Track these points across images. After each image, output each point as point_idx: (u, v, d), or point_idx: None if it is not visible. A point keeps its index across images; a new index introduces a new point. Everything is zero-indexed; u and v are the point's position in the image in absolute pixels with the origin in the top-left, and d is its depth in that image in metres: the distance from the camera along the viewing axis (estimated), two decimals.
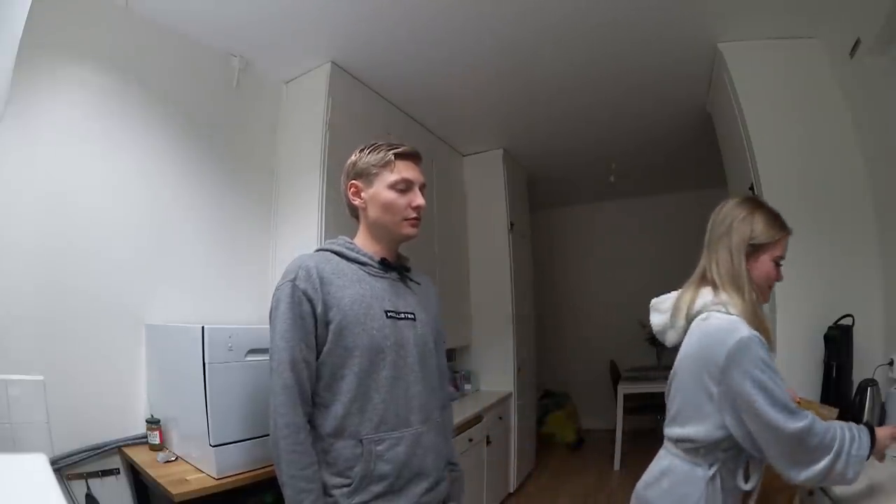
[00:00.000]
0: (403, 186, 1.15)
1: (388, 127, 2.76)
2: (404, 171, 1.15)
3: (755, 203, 1.17)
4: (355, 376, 1.06)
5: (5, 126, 1.42)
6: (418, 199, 1.16)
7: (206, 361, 1.45)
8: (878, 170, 1.89)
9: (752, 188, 2.15)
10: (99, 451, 1.64)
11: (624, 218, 5.21)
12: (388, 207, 1.14)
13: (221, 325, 1.54)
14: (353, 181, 1.17)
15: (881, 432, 1.03)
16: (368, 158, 1.16)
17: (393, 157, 1.15)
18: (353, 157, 1.19)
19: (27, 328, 1.53)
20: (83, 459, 1.60)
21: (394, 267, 1.20)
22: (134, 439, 1.73)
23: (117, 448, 1.69)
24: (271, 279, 2.38)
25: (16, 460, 0.79)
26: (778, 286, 1.95)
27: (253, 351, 1.56)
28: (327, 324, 1.06)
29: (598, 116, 3.08)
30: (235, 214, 2.25)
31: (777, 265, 1.15)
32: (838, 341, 1.82)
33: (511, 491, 3.42)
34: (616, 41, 2.22)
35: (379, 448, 1.05)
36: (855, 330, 1.81)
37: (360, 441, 1.04)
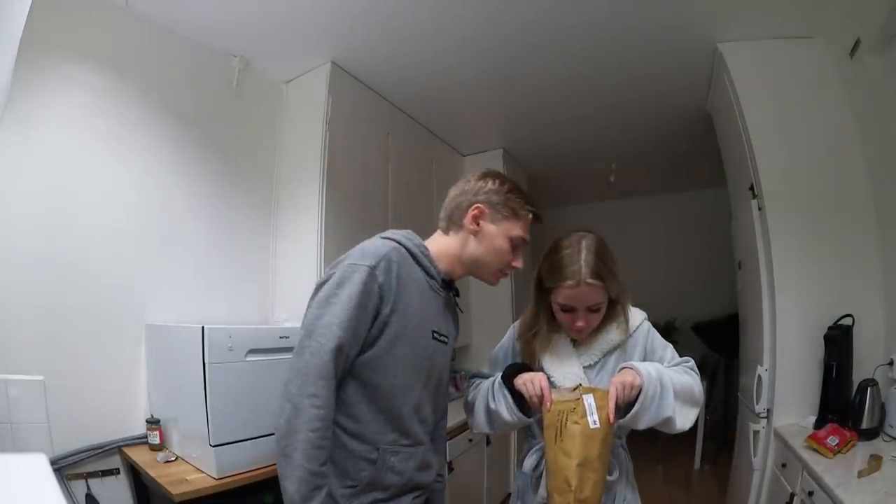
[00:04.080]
0: (518, 244, 1.12)
1: (389, 127, 2.76)
2: (527, 231, 1.13)
3: (555, 247, 1.13)
4: (392, 388, 1.02)
5: (5, 126, 1.42)
6: (519, 263, 1.13)
7: (206, 361, 1.45)
8: (879, 170, 1.89)
9: (752, 188, 2.15)
10: (99, 451, 1.64)
11: (624, 218, 5.20)
12: (495, 253, 1.10)
13: (221, 325, 1.54)
14: (482, 205, 1.09)
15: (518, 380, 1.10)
16: (509, 199, 1.10)
17: (530, 217, 1.12)
18: (490, 184, 1.10)
19: (27, 328, 1.53)
20: (83, 459, 1.60)
21: (450, 288, 1.16)
22: (134, 439, 1.73)
23: (117, 448, 1.69)
24: (271, 279, 2.38)
25: (16, 460, 0.79)
26: (778, 286, 1.98)
27: (253, 351, 1.56)
28: (385, 326, 0.99)
29: (597, 116, 3.08)
30: (235, 214, 2.25)
31: (564, 311, 1.11)
32: (838, 341, 1.82)
33: (511, 491, 3.42)
34: (616, 41, 2.22)
35: (393, 459, 1.02)
36: (855, 330, 1.81)
37: (378, 449, 1.01)
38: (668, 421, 1.03)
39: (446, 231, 1.14)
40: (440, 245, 1.13)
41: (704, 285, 4.41)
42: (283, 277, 2.37)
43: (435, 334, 1.08)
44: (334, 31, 2.13)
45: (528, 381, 1.07)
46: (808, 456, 1.57)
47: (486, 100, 2.84)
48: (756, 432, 2.06)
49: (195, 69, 2.11)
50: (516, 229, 1.10)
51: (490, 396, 1.15)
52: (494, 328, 3.57)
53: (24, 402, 1.48)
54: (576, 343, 1.17)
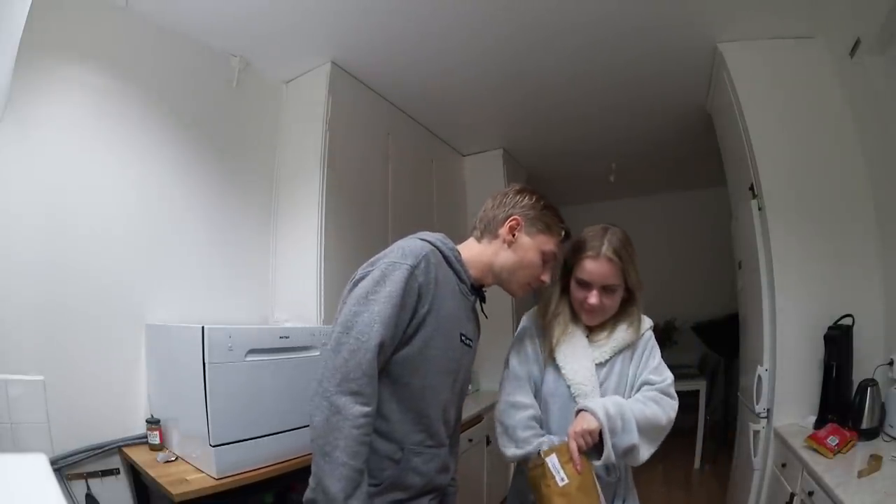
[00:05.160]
0: (549, 259, 1.14)
1: (389, 127, 2.76)
2: (559, 248, 1.15)
3: (586, 230, 1.18)
4: (422, 389, 1.03)
5: (5, 126, 1.42)
6: (547, 277, 1.15)
7: (206, 361, 1.45)
8: (879, 170, 1.89)
9: (752, 188, 2.15)
10: (99, 451, 1.64)
11: (623, 218, 5.11)
12: (526, 265, 1.12)
13: (221, 325, 1.54)
14: (519, 217, 1.12)
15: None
16: (544, 214, 1.13)
17: (563, 235, 1.15)
18: (527, 199, 1.14)
19: (27, 328, 1.53)
20: (83, 459, 1.60)
21: (479, 294, 1.18)
22: (134, 439, 1.73)
23: (117, 448, 1.69)
24: (271, 279, 2.38)
25: (16, 460, 0.79)
26: (778, 286, 1.98)
27: (253, 351, 1.56)
28: (421, 326, 1.00)
29: (597, 116, 3.08)
30: (235, 214, 2.25)
31: (581, 286, 1.15)
32: (838, 341, 1.82)
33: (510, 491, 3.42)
34: (615, 41, 2.22)
35: (416, 460, 1.03)
36: (855, 330, 1.81)
37: (403, 449, 1.02)
38: (633, 450, 1.05)
39: (480, 239, 1.16)
40: (473, 252, 1.15)
41: (704, 285, 4.41)
42: (283, 277, 2.36)
43: (462, 337, 1.10)
44: (334, 31, 2.13)
45: None
46: (808, 456, 1.56)
47: (487, 100, 2.84)
48: (756, 432, 2.06)
49: (195, 69, 2.11)
50: (549, 244, 1.12)
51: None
52: (495, 328, 3.56)
53: (24, 402, 1.48)
54: (591, 339, 1.19)
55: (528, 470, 1.06)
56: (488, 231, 1.15)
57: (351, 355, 0.92)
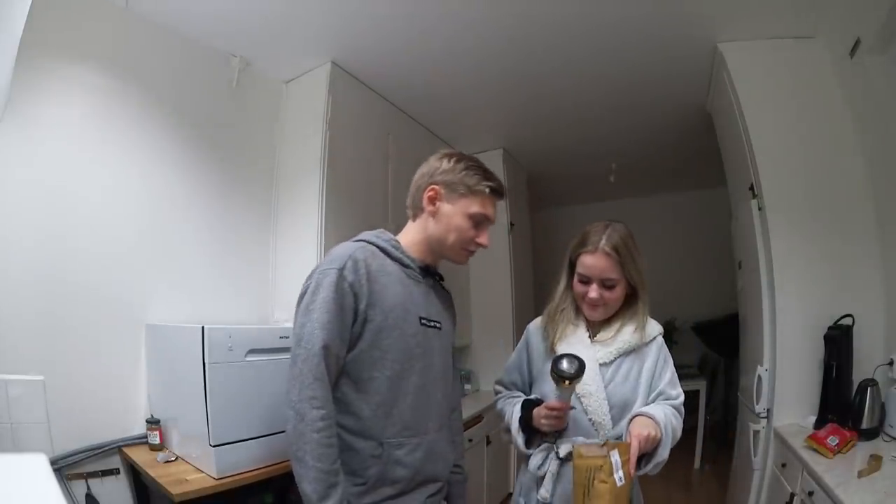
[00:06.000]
0: (480, 221, 1.12)
1: (389, 127, 2.76)
2: (488, 207, 1.13)
3: (590, 226, 1.20)
4: (387, 380, 1.04)
5: (5, 126, 1.42)
6: (484, 239, 1.14)
7: (206, 361, 1.45)
8: (879, 170, 1.89)
9: (752, 188, 2.15)
10: (99, 451, 1.64)
11: (623, 218, 5.07)
12: (454, 231, 1.11)
13: (221, 325, 1.54)
14: (436, 185, 1.11)
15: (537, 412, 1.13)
16: (463, 176, 1.10)
17: (487, 192, 1.11)
18: (445, 163, 1.12)
19: (27, 328, 1.53)
20: (83, 459, 1.60)
21: (432, 274, 1.18)
22: (134, 439, 1.73)
23: (117, 448, 1.69)
24: (271, 279, 2.38)
25: (16, 460, 0.79)
26: (778, 286, 1.98)
27: (253, 351, 1.56)
28: (366, 322, 1.03)
29: (597, 116, 3.08)
30: (235, 214, 2.25)
31: (582, 282, 1.16)
32: (838, 341, 1.82)
33: (511, 491, 3.42)
34: (616, 41, 2.22)
35: (398, 452, 1.04)
36: (855, 330, 1.81)
37: (381, 444, 1.03)
38: (661, 463, 1.06)
39: (413, 218, 1.17)
40: (409, 235, 1.16)
41: (704, 285, 4.40)
42: (283, 277, 2.36)
43: (423, 321, 1.10)
44: (334, 31, 2.13)
45: (546, 424, 1.10)
46: (808, 456, 1.57)
47: (487, 100, 2.84)
48: (756, 432, 2.06)
49: (195, 69, 2.11)
50: (474, 206, 1.11)
51: (516, 438, 1.18)
52: (494, 328, 3.57)
53: (24, 402, 1.48)
54: (594, 338, 1.19)
55: (579, 457, 1.02)
56: (415, 206, 1.16)
57: (304, 364, 0.98)
